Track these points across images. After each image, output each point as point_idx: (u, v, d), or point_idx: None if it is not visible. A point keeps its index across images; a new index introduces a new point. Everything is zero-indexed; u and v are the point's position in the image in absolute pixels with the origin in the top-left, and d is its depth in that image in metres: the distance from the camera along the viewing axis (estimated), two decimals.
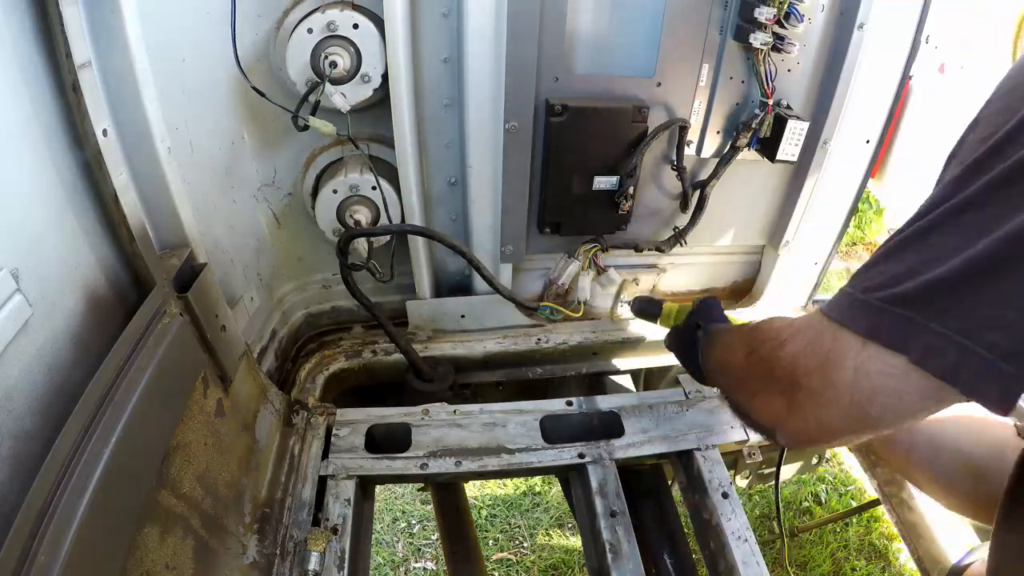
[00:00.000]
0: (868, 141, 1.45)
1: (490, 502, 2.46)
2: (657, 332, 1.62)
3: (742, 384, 0.88)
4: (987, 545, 0.92)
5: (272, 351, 1.43)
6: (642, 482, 1.35)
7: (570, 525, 2.38)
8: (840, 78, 1.31)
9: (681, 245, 1.51)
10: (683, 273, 1.66)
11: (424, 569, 2.26)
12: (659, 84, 1.31)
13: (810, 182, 1.47)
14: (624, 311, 1.60)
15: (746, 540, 1.11)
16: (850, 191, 1.53)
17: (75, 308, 0.77)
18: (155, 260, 0.90)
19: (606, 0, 1.20)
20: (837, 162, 1.45)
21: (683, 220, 1.50)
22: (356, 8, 1.14)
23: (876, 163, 1.50)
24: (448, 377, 1.47)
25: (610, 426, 1.32)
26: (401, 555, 2.30)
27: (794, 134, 1.31)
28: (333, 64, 1.12)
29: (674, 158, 1.39)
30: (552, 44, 1.21)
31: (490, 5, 1.13)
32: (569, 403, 1.35)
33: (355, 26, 1.13)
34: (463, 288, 1.55)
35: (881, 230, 3.86)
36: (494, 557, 2.28)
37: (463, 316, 1.55)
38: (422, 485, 2.12)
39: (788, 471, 1.58)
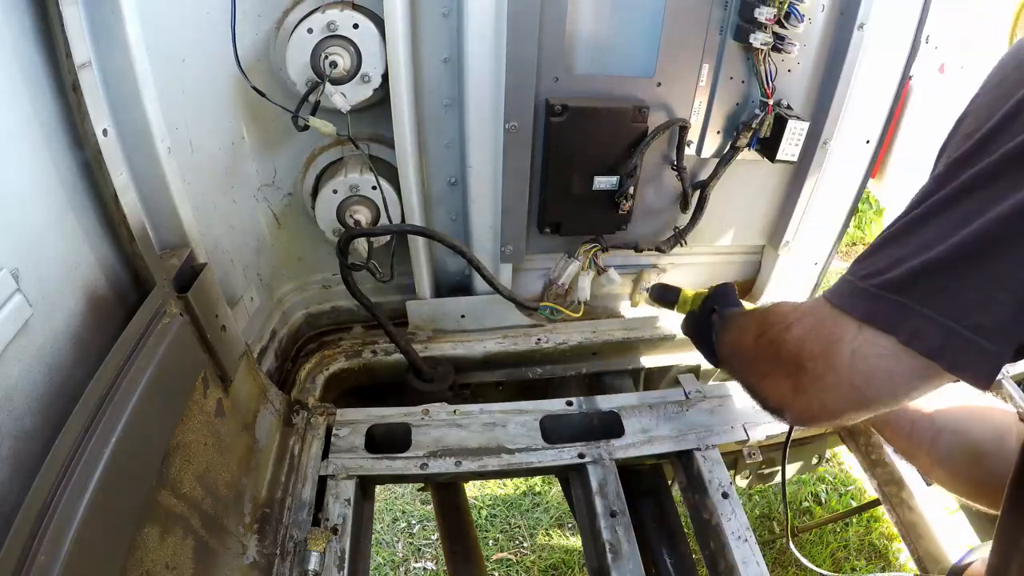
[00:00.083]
0: (868, 141, 1.45)
1: (490, 502, 2.46)
2: (656, 332, 1.63)
3: (752, 366, 0.92)
4: (987, 545, 0.92)
5: (272, 351, 1.43)
6: (642, 482, 1.35)
7: (570, 525, 2.38)
8: (840, 78, 1.31)
9: (681, 245, 1.50)
10: (683, 273, 1.66)
11: (424, 569, 2.26)
12: (659, 84, 1.31)
13: (810, 182, 1.47)
14: (644, 299, 1.61)
15: (746, 540, 1.11)
16: (850, 191, 1.53)
17: (75, 308, 0.77)
18: (155, 260, 0.90)
19: (606, 0, 1.20)
20: (837, 162, 1.45)
21: (683, 220, 1.50)
22: (356, 8, 1.14)
23: (876, 163, 1.50)
24: (448, 377, 1.47)
25: (610, 426, 1.32)
26: (401, 555, 2.30)
27: (794, 134, 1.31)
28: (333, 64, 1.12)
29: (674, 158, 1.39)
30: (552, 44, 1.21)
31: (490, 5, 1.13)
32: (569, 403, 1.35)
33: (355, 26, 1.13)
34: (463, 288, 1.55)
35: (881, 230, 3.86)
36: (494, 557, 2.28)
37: (463, 316, 1.55)
38: (422, 485, 2.12)
39: (788, 471, 1.57)
